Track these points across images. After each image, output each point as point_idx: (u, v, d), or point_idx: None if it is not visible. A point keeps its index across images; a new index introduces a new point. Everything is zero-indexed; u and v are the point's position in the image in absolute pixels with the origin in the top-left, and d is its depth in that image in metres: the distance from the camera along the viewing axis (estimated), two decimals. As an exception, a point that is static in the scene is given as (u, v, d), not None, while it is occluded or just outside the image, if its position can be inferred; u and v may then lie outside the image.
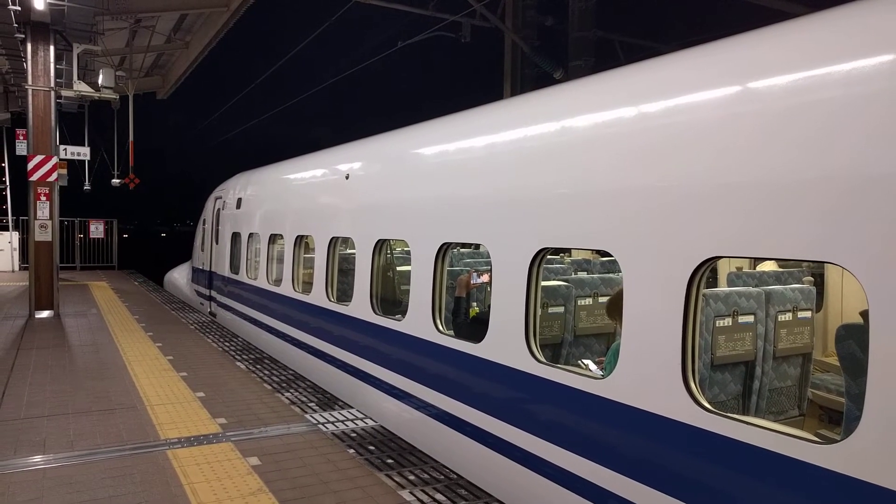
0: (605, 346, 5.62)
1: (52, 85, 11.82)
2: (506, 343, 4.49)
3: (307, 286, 8.17)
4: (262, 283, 9.83)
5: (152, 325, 10.85)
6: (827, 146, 2.71)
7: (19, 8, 10.47)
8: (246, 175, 12.25)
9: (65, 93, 12.97)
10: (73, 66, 12.74)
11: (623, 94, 4.00)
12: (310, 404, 6.57)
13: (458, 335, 5.16)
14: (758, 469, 2.82)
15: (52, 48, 11.77)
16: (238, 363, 8.25)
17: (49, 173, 11.82)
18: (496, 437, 4.54)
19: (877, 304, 2.51)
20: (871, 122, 2.59)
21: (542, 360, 4.28)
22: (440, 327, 5.32)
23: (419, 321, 5.54)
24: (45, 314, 11.77)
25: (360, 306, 6.62)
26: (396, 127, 7.14)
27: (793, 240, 2.81)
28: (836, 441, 2.62)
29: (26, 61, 11.82)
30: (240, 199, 11.64)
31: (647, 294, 3.48)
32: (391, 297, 6.81)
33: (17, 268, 21.17)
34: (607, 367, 4.01)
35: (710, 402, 3.22)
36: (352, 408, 6.52)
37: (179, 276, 17.48)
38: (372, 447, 5.39)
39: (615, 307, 3.95)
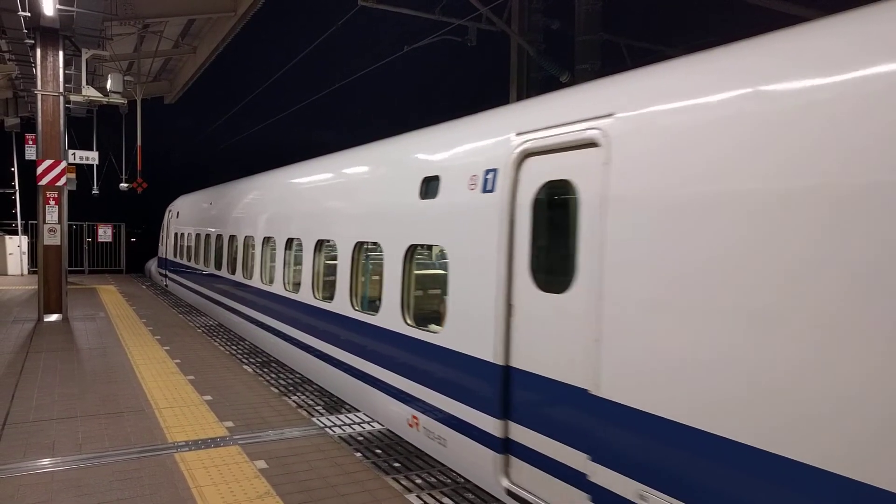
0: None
1: (61, 90, 11.88)
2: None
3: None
4: (185, 261, 16.67)
5: (160, 329, 10.90)
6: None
7: (29, 14, 10.54)
8: (185, 196, 19.33)
9: (74, 98, 13.05)
10: (81, 71, 12.83)
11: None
12: (317, 408, 6.58)
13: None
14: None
15: (61, 53, 11.82)
16: (245, 366, 8.27)
17: (58, 178, 11.89)
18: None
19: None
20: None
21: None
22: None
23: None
24: (53, 318, 11.82)
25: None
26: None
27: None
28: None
29: (35, 66, 11.88)
30: (179, 212, 18.88)
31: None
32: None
33: (26, 272, 21.30)
34: None
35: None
36: (359, 411, 6.53)
37: (151, 265, 23.95)
38: (379, 450, 5.39)
39: None
